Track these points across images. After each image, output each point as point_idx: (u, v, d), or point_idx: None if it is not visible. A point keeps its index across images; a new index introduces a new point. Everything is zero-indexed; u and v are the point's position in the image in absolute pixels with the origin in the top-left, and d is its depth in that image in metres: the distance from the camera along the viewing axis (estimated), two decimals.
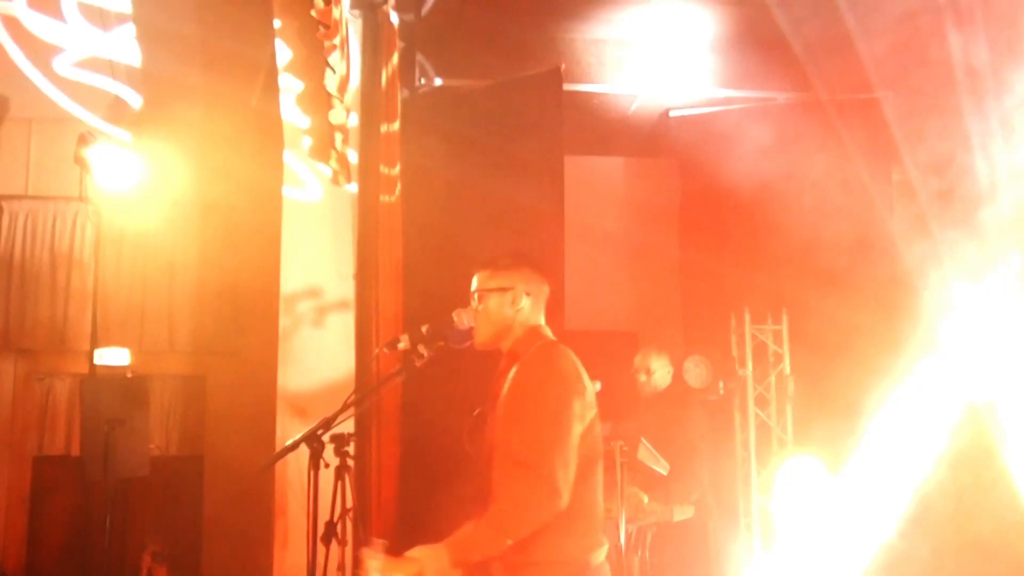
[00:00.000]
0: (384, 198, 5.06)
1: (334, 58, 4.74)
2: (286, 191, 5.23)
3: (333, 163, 5.12)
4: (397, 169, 5.13)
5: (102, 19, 5.75)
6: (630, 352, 5.44)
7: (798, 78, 5.85)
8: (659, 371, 5.16)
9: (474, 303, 2.80)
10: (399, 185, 5.12)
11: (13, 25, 5.69)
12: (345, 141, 5.08)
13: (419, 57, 5.74)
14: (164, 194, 6.85)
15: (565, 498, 2.48)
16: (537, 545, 2.51)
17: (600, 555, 2.64)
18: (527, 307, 2.78)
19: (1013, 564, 5.13)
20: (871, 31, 5.33)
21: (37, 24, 5.80)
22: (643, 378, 5.16)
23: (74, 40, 5.92)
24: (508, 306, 2.76)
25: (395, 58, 5.20)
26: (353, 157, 5.25)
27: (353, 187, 5.22)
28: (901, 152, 5.79)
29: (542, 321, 2.83)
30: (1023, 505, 5.24)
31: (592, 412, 2.65)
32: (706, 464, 4.96)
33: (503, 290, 2.77)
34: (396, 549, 2.44)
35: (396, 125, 5.15)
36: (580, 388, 2.63)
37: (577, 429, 2.57)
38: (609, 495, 4.07)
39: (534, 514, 2.47)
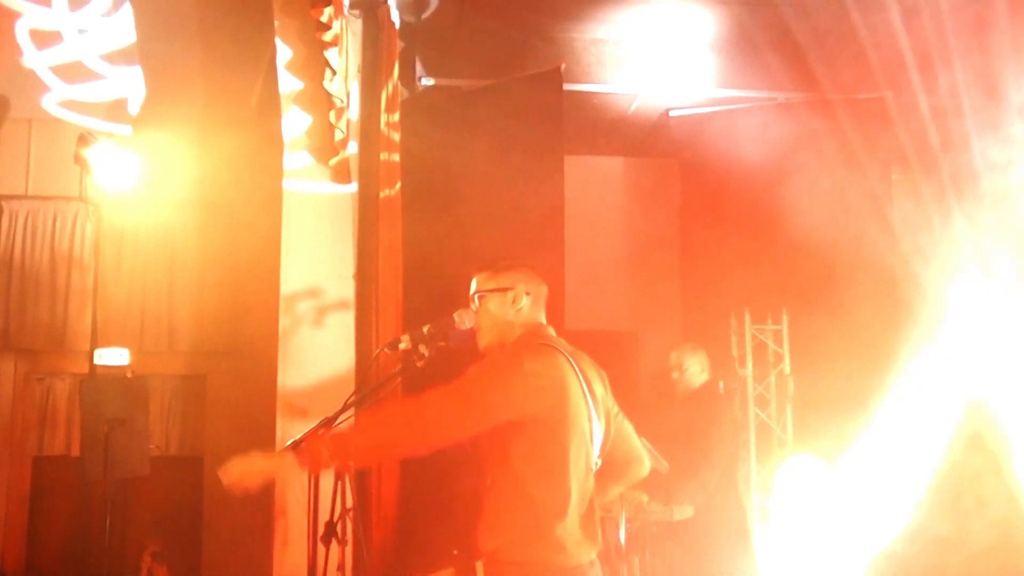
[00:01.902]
0: (384, 195, 5.06)
1: (334, 58, 4.75)
2: (295, 185, 5.21)
3: (333, 163, 5.12)
4: (397, 169, 5.13)
5: (116, 56, 5.86)
6: (630, 352, 5.42)
7: (798, 78, 5.84)
8: (692, 369, 5.09)
9: (474, 306, 2.79)
10: (399, 185, 5.12)
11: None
12: (345, 141, 5.09)
13: (419, 57, 5.73)
14: (164, 194, 6.87)
15: (431, 444, 2.50)
16: (507, 547, 2.52)
17: (571, 558, 2.57)
18: (527, 306, 2.77)
19: (1012, 562, 5.13)
20: (872, 30, 5.33)
21: (91, 93, 6.12)
22: (676, 375, 5.10)
23: (126, 86, 6.13)
24: (509, 306, 2.75)
25: (395, 58, 5.20)
26: (353, 157, 5.24)
27: (353, 187, 5.21)
28: (901, 152, 5.79)
29: (543, 320, 2.82)
30: (1023, 503, 5.25)
31: (558, 420, 2.57)
32: (720, 467, 4.90)
33: (503, 290, 2.76)
34: (396, 549, 2.45)
35: (396, 125, 5.15)
36: (532, 387, 2.54)
37: (501, 414, 2.53)
38: None
39: (393, 441, 2.56)
